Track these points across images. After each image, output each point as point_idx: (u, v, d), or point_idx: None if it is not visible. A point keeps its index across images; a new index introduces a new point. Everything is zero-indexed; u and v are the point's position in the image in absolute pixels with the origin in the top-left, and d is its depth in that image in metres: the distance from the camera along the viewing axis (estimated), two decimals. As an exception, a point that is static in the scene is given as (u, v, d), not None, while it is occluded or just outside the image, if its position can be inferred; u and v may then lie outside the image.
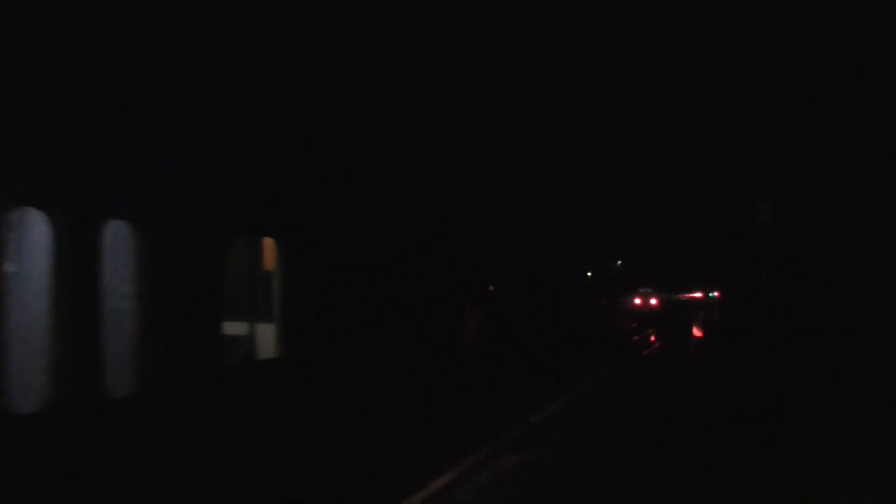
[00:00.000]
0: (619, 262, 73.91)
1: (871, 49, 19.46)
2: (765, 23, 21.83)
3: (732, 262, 25.45)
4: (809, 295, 20.10)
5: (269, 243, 7.03)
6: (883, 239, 18.39)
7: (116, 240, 5.04)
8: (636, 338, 34.84)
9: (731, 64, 22.78)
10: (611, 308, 55.85)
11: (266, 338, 6.83)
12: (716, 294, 39.92)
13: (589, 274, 67.54)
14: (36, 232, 4.69)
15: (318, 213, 8.18)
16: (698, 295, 50.57)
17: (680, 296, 56.81)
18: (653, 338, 34.69)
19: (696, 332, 31.17)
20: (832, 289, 19.39)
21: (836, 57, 19.72)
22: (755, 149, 21.62)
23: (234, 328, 6.48)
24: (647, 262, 70.15)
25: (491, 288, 35.34)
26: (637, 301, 55.01)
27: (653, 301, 54.52)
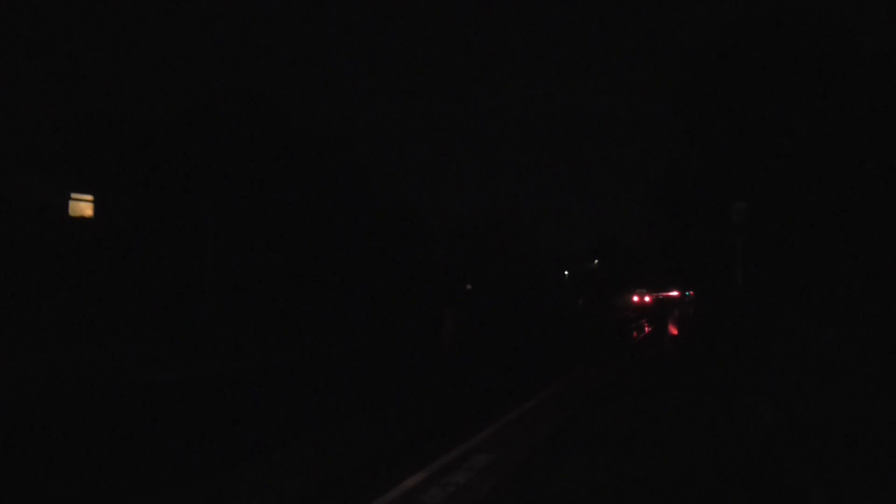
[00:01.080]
0: (596, 262, 77.34)
1: (840, 43, 19.69)
2: (727, 19, 21.91)
3: (706, 262, 25.75)
4: (780, 291, 20.40)
5: None
6: (853, 236, 18.72)
7: None
8: (633, 325, 38.00)
9: (694, 61, 22.71)
10: (591, 306, 63.95)
11: None
12: (691, 293, 40.68)
13: (566, 273, 69.36)
14: None
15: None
16: (675, 293, 52.71)
17: (660, 294, 62.41)
18: (647, 327, 37.65)
19: (672, 329, 31.56)
20: (801, 285, 19.70)
21: (803, 53, 19.89)
22: (722, 148, 21.86)
23: None
24: (625, 263, 75.47)
25: (468, 287, 35.36)
26: (635, 298, 68.16)
27: (647, 298, 66.67)
